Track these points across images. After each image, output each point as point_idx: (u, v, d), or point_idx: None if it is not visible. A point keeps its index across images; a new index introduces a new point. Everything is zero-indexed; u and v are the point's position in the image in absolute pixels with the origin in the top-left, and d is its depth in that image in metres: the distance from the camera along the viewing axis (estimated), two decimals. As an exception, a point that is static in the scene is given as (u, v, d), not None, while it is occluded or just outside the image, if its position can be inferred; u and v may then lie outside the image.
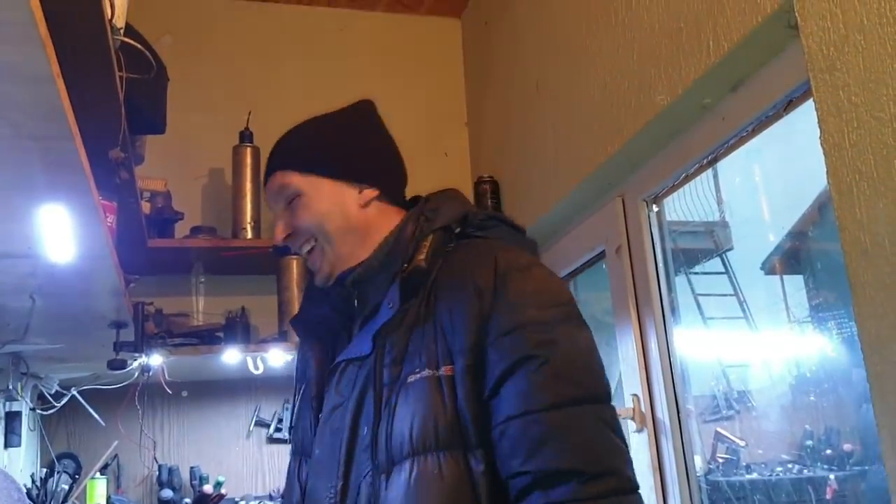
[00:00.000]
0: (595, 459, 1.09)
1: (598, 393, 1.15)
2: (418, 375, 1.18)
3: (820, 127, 1.23)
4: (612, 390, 2.38)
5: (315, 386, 1.39)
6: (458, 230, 1.30)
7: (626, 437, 1.99)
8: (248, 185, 2.70)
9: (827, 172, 1.22)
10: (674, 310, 2.02)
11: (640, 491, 1.10)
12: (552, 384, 1.12)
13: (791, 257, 2.58)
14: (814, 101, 1.25)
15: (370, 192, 1.31)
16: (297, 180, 1.31)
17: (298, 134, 1.36)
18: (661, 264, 2.00)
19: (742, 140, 1.70)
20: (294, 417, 1.47)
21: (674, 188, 1.95)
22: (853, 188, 1.17)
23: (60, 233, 1.29)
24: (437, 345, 1.18)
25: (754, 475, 2.46)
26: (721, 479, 2.32)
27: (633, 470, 1.13)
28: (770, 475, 2.43)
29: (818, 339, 2.31)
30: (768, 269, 2.75)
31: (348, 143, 1.36)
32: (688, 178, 1.89)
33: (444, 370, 1.15)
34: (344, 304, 1.38)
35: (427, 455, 1.13)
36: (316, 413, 1.36)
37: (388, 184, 1.35)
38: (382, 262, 1.30)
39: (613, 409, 1.16)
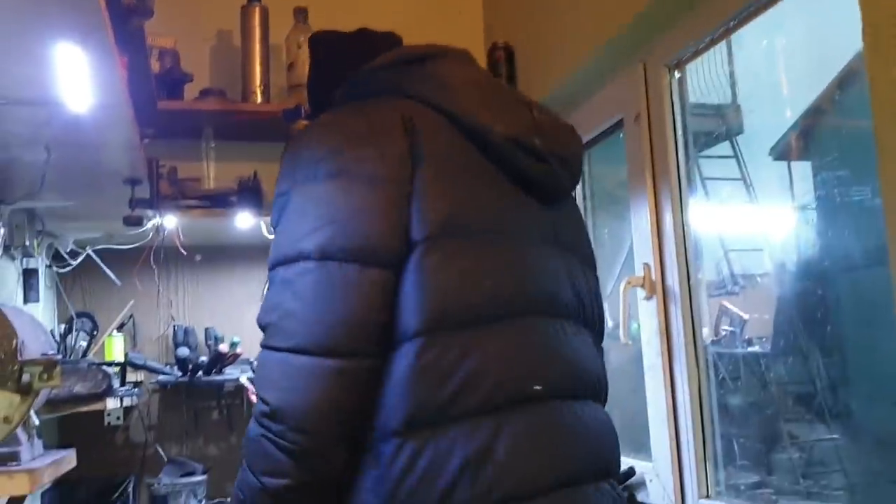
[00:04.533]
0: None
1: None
2: None
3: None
4: (622, 259, 2.40)
5: None
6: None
7: (635, 303, 2.03)
8: (257, 48, 2.63)
9: (862, 28, 1.18)
10: (690, 180, 2.01)
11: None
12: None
13: (802, 142, 2.54)
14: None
15: None
16: None
17: None
18: (680, 132, 1.98)
19: (771, 1, 1.64)
20: None
21: (697, 54, 1.91)
22: (890, 43, 1.13)
23: (76, 76, 1.26)
24: None
25: (756, 348, 2.50)
26: (724, 350, 2.36)
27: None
28: (770, 350, 2.47)
29: (823, 223, 2.30)
30: (777, 154, 2.72)
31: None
32: (713, 42, 1.84)
33: None
34: None
35: None
36: None
37: None
38: None
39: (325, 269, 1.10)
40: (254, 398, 2.72)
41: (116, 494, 2.70)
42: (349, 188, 1.12)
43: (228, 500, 2.51)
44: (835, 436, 1.99)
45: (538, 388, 1.12)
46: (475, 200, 1.18)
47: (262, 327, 1.13)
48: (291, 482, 1.05)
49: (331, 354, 1.05)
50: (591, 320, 1.33)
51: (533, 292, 1.19)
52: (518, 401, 1.09)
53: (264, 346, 1.12)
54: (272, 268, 1.15)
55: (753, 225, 2.71)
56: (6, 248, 2.16)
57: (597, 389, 1.27)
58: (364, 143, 1.15)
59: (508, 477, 1.04)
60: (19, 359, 1.24)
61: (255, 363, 1.13)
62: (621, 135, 2.19)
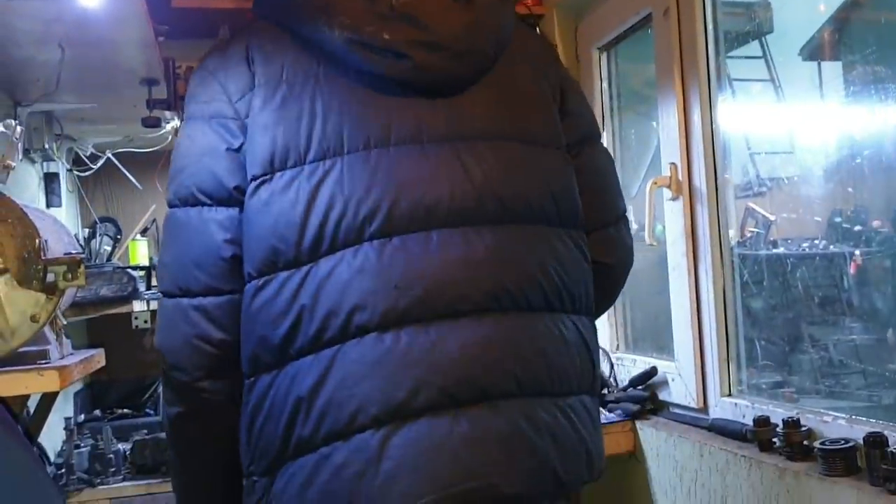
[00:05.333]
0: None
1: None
2: None
3: None
4: (648, 160, 2.36)
5: None
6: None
7: (661, 204, 2.00)
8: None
9: None
10: (719, 77, 1.95)
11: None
12: None
13: (836, 37, 2.44)
14: None
15: None
16: None
17: None
18: (710, 28, 1.91)
19: None
20: None
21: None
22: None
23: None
24: None
25: (781, 249, 2.48)
26: (749, 252, 2.34)
27: (177, 279, 1.11)
28: (796, 250, 2.44)
29: (853, 123, 2.23)
30: (807, 54, 2.62)
31: None
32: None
33: None
34: None
35: None
36: None
37: None
38: None
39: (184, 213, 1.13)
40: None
41: (147, 396, 2.77)
42: (194, 132, 1.13)
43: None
44: (855, 337, 1.99)
45: (365, 316, 1.04)
46: (310, 125, 1.10)
47: None
48: (182, 409, 1.14)
49: (188, 293, 1.10)
50: (525, 212, 1.14)
51: (389, 209, 1.07)
52: (351, 333, 1.04)
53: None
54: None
55: (781, 126, 2.65)
56: (26, 152, 2.15)
57: (511, 299, 1.11)
58: (212, 81, 1.14)
59: (336, 410, 1.03)
60: (43, 258, 1.24)
61: None
62: (649, 31, 2.12)
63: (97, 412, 2.60)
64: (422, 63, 1.11)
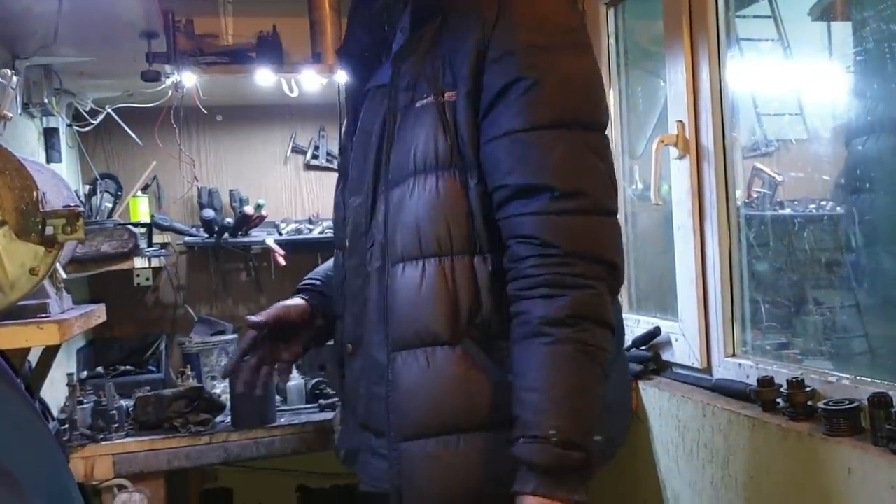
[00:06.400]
0: (570, 178, 1.17)
1: (589, 119, 1.21)
2: (425, 101, 1.24)
3: None
4: (654, 119, 2.33)
5: (352, 112, 1.45)
6: None
7: (667, 164, 1.98)
8: None
9: None
10: (728, 35, 1.92)
11: (615, 216, 1.23)
12: (539, 106, 1.17)
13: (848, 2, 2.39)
14: None
15: None
16: None
17: None
18: (721, -19, 1.87)
19: None
20: (340, 144, 1.54)
21: None
22: None
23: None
24: (444, 72, 1.23)
25: (787, 210, 2.46)
26: (755, 212, 2.32)
27: (611, 197, 1.22)
28: (804, 210, 2.42)
29: (861, 84, 2.20)
30: (817, 14, 2.58)
31: None
32: None
33: (448, 96, 1.22)
34: (380, 30, 1.40)
35: (427, 174, 1.22)
36: (352, 138, 1.40)
37: None
38: None
39: (606, 138, 1.24)
40: (282, 261, 2.75)
41: (149, 353, 2.77)
42: (594, 65, 1.26)
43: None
44: (860, 299, 1.97)
45: None
46: None
47: (566, 191, 1.17)
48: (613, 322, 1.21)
49: (615, 214, 1.23)
50: None
51: None
52: None
53: (580, 211, 1.18)
54: (555, 126, 1.19)
55: (789, 86, 2.61)
56: (24, 106, 2.13)
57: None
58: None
59: None
60: (42, 210, 1.22)
61: (561, 226, 1.19)
62: (658, -15, 2.07)
63: (99, 369, 2.60)
64: None
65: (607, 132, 1.26)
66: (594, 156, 1.20)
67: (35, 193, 1.21)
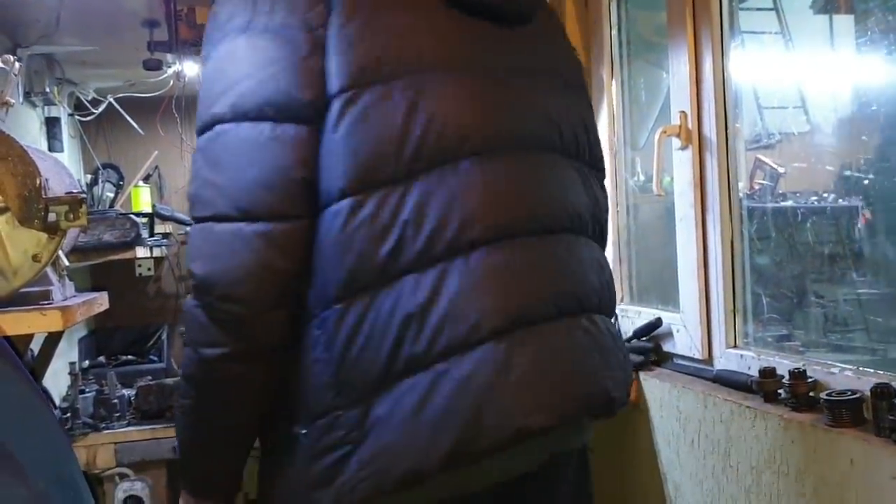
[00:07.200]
0: (191, 189, 1.08)
1: (205, 119, 1.08)
2: None
3: None
4: (656, 110, 2.32)
5: None
6: None
7: (669, 155, 1.97)
8: None
9: None
10: (732, 24, 1.91)
11: (233, 220, 1.02)
12: None
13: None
14: None
15: None
16: None
17: None
18: (725, -28, 1.86)
19: None
20: None
21: None
22: None
23: None
24: None
25: (790, 203, 2.46)
26: (757, 204, 2.33)
27: (223, 197, 1.04)
28: (805, 202, 2.42)
29: (865, 76, 2.19)
30: (819, 7, 2.58)
31: None
32: None
33: None
34: None
35: None
36: None
37: None
38: None
39: (231, 130, 1.05)
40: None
41: (151, 343, 2.77)
42: (257, 42, 1.04)
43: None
44: (863, 291, 1.98)
45: (474, 230, 1.04)
46: (400, 40, 1.07)
47: (189, 200, 1.09)
48: (228, 350, 1.04)
49: (252, 218, 1.01)
50: (575, 149, 1.24)
51: (482, 128, 1.09)
52: (460, 248, 1.03)
53: (192, 219, 1.08)
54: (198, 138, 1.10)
55: (792, 79, 2.61)
56: (26, 95, 2.13)
57: (579, 223, 1.21)
58: None
59: (453, 324, 1.00)
60: (44, 197, 1.22)
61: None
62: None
63: (101, 358, 2.60)
64: None
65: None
66: (200, 159, 1.07)
67: (38, 180, 1.21)
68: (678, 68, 1.97)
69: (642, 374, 2.01)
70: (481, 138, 1.08)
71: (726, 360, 1.82)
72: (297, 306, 1.05)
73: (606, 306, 1.24)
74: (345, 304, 1.02)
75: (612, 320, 1.29)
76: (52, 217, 1.22)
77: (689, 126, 1.92)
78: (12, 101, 1.46)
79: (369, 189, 1.01)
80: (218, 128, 1.05)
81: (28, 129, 2.19)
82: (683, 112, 1.93)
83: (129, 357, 2.60)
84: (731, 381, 1.73)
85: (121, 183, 2.70)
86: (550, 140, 1.18)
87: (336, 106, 1.03)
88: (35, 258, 1.24)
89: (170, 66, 2.18)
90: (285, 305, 1.04)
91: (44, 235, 1.23)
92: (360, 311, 1.01)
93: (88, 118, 2.58)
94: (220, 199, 1.03)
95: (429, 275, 1.01)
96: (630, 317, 2.24)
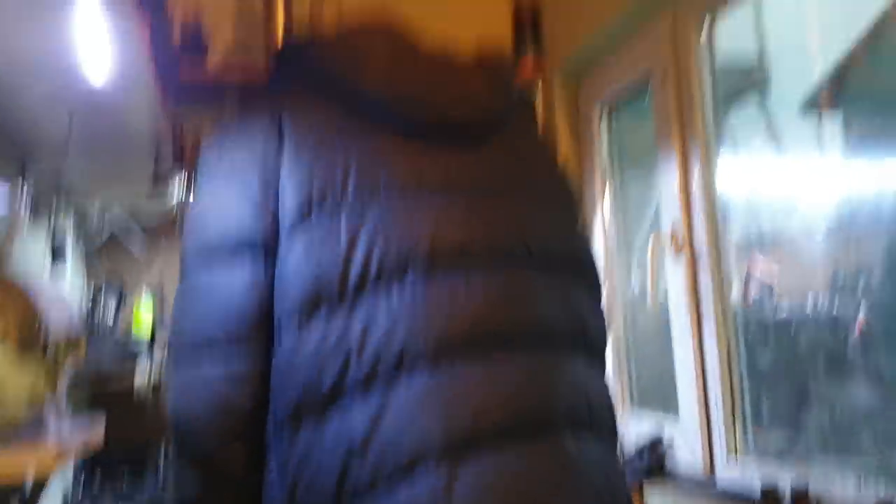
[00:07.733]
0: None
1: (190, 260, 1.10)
2: None
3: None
4: (648, 221, 2.35)
5: None
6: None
7: (661, 265, 2.00)
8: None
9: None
10: (718, 137, 1.97)
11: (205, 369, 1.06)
12: None
13: (833, 96, 2.46)
14: None
15: None
16: None
17: None
18: (708, 88, 1.93)
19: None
20: None
21: (725, 3, 1.84)
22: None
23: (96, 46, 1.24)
24: None
25: (784, 315, 2.46)
26: (753, 315, 2.34)
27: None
28: (799, 312, 2.43)
29: (853, 180, 2.24)
30: (806, 108, 2.65)
31: None
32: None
33: None
34: None
35: None
36: None
37: None
38: None
39: (204, 264, 1.08)
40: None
41: (148, 464, 2.74)
42: (214, 188, 1.09)
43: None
44: (864, 395, 1.96)
45: (415, 352, 1.03)
46: (347, 170, 1.09)
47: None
48: (201, 489, 1.06)
49: (214, 364, 1.05)
50: (546, 261, 1.20)
51: (430, 246, 1.09)
52: (402, 370, 1.03)
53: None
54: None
55: (783, 183, 2.65)
56: (33, 212, 2.17)
57: (550, 337, 1.16)
58: (232, 148, 1.10)
59: (395, 451, 1.00)
60: (44, 335, 1.24)
61: None
62: (648, 91, 2.14)
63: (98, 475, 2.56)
64: (449, 113, 1.17)
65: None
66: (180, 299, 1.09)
67: (37, 319, 1.23)
68: (667, 179, 2.01)
69: (647, 489, 1.98)
70: (427, 258, 1.08)
71: (728, 472, 1.80)
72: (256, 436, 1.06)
73: (593, 424, 1.16)
74: (293, 430, 1.03)
75: (609, 435, 1.20)
76: (50, 353, 1.23)
77: (680, 237, 1.95)
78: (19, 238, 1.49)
79: (313, 313, 1.03)
80: (183, 282, 1.08)
81: (34, 246, 2.23)
82: (674, 223, 1.97)
83: (125, 484, 2.54)
84: (734, 498, 1.70)
85: (122, 300, 2.73)
86: (514, 253, 1.16)
87: (284, 235, 1.06)
88: (33, 395, 1.25)
89: (174, 189, 2.23)
90: (242, 438, 1.05)
91: (41, 376, 1.24)
92: (308, 441, 1.02)
93: (93, 237, 2.63)
94: (184, 346, 1.07)
95: (371, 401, 1.01)
96: (631, 424, 2.22)
